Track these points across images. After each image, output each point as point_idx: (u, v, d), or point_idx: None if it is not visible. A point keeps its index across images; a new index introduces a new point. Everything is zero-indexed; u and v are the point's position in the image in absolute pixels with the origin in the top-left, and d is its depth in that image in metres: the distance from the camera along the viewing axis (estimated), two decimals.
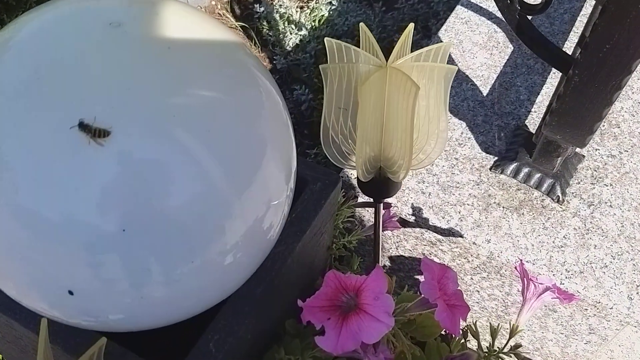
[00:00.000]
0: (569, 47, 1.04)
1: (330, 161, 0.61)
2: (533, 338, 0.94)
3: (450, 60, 1.02)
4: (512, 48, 1.03)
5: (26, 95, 0.44)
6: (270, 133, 0.52)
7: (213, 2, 1.63)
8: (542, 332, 0.92)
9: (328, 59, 0.56)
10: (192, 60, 0.47)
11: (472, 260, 0.88)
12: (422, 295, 0.58)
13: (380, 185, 0.61)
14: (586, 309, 0.84)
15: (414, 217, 0.87)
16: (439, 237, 0.88)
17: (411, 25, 0.56)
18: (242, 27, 1.59)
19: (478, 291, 0.93)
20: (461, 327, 0.65)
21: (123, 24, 0.44)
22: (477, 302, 0.95)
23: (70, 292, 0.45)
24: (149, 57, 0.45)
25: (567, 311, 0.86)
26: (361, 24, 0.57)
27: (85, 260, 0.46)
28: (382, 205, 0.64)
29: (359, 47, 0.57)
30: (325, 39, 0.56)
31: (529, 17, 0.73)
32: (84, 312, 0.49)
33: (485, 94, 0.98)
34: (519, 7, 0.72)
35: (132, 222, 0.45)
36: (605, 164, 0.92)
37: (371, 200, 0.66)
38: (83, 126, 0.42)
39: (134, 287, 0.47)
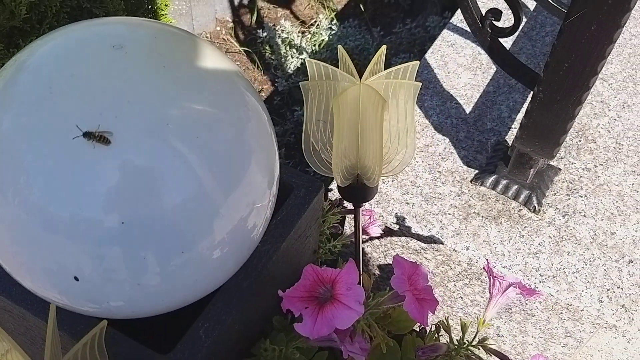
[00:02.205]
0: None
1: (328, 180, 0.67)
2: (514, 342, 0.99)
3: (436, 80, 1.09)
4: (495, 69, 1.10)
5: (41, 108, 0.51)
6: (255, 143, 0.59)
7: (218, 28, 1.71)
8: (523, 337, 0.97)
9: (309, 76, 0.63)
10: (185, 77, 0.54)
11: (455, 267, 0.94)
12: (395, 291, 0.64)
13: (358, 190, 0.67)
14: (561, 312, 0.89)
15: (398, 226, 0.93)
16: (423, 245, 0.94)
17: (383, 47, 0.63)
18: (245, 51, 1.67)
19: (461, 297, 0.98)
20: (434, 323, 0.71)
21: (124, 46, 0.51)
22: (461, 309, 1.00)
23: (76, 278, 0.52)
24: (146, 75, 0.52)
25: (544, 315, 0.91)
26: (339, 46, 0.64)
27: (89, 251, 0.52)
28: (360, 209, 0.70)
29: (337, 67, 0.64)
30: (306, 59, 0.62)
31: (500, 39, 0.80)
32: (88, 299, 0.55)
33: (468, 112, 1.04)
34: (489, 30, 0.79)
35: (131, 218, 0.52)
36: (581, 176, 0.97)
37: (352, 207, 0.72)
38: (87, 135, 0.49)
39: (132, 276, 0.54)
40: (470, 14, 0.78)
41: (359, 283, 0.59)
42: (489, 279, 0.70)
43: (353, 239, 0.87)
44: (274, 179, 0.61)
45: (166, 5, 0.92)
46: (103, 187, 0.51)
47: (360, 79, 0.61)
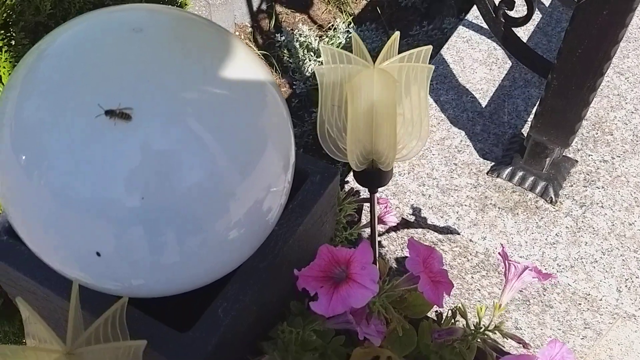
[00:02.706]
0: None
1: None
2: (533, 335, 0.99)
3: (452, 75, 1.09)
4: (511, 64, 1.11)
5: (61, 92, 0.53)
6: (271, 127, 0.60)
7: (237, 33, 1.74)
8: (541, 329, 0.97)
9: (323, 62, 0.65)
10: (204, 60, 0.56)
11: (471, 259, 0.94)
12: (410, 273, 0.64)
13: (373, 175, 0.68)
14: (579, 303, 0.89)
15: (414, 218, 0.94)
16: (440, 236, 0.94)
17: (397, 33, 0.64)
18: (264, 55, 1.70)
19: (479, 289, 0.98)
20: (451, 308, 0.71)
21: (144, 30, 0.53)
22: (479, 301, 1.00)
23: (98, 254, 0.53)
24: (166, 57, 0.54)
25: (562, 306, 0.91)
26: (353, 33, 0.65)
27: (111, 230, 0.54)
28: (376, 195, 0.71)
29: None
30: (321, 45, 0.64)
31: (513, 29, 0.81)
32: (110, 277, 0.56)
33: (484, 106, 1.05)
34: (503, 20, 0.80)
35: (150, 198, 0.53)
36: (598, 168, 0.97)
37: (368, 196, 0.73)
38: (108, 112, 0.50)
39: (153, 254, 0.55)
40: (484, 4, 0.79)
41: (374, 263, 0.60)
42: (504, 263, 0.70)
43: (369, 227, 0.88)
44: (289, 164, 0.62)
45: (186, 5, 0.94)
46: (123, 167, 0.53)
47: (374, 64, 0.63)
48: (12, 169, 0.57)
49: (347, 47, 1.71)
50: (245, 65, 0.61)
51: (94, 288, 0.59)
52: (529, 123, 1.03)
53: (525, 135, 1.00)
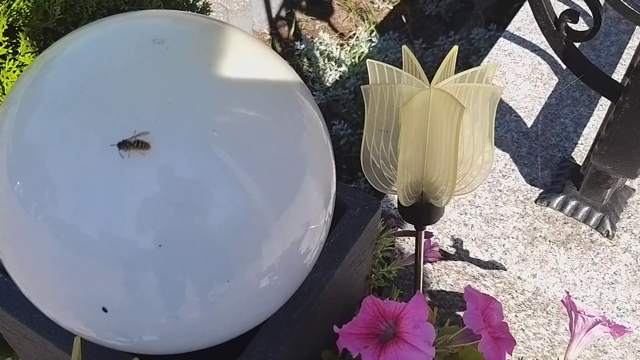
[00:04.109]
0: (616, 79, 1.01)
1: (370, 189, 0.59)
2: None
3: None
4: (557, 80, 1.01)
5: (70, 111, 0.45)
6: (311, 155, 0.51)
7: None
8: None
9: (370, 80, 0.56)
10: (234, 78, 0.47)
11: (517, 297, 0.85)
12: (466, 327, 0.55)
13: (422, 211, 0.59)
14: None
15: (455, 250, 0.85)
16: (482, 271, 0.85)
17: (455, 47, 0.56)
18: None
19: (523, 329, 0.89)
20: None
21: (166, 41, 0.45)
22: (522, 342, 0.91)
23: (104, 309, 0.44)
24: (190, 73, 0.45)
25: (618, 352, 0.82)
26: (404, 46, 0.56)
27: (120, 276, 0.45)
28: (423, 233, 0.62)
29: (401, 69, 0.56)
30: (367, 60, 0.55)
31: (576, 45, 0.72)
32: (118, 332, 0.48)
33: (529, 126, 0.96)
34: (565, 34, 0.71)
35: (169, 239, 0.45)
36: None
37: (412, 228, 0.64)
38: (123, 145, 0.42)
39: (169, 306, 0.46)
40: (543, 15, 0.70)
41: (428, 320, 0.51)
42: (570, 314, 0.61)
43: (409, 264, 0.78)
44: (330, 196, 0.53)
45: (208, 11, 0.86)
46: (138, 202, 0.44)
47: (430, 83, 0.54)
48: (6, 197, 0.48)
49: (370, 56, 1.62)
50: (282, 82, 0.52)
51: (98, 343, 0.50)
52: (580, 146, 0.93)
53: (577, 159, 0.91)
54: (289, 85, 0.52)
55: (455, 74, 0.56)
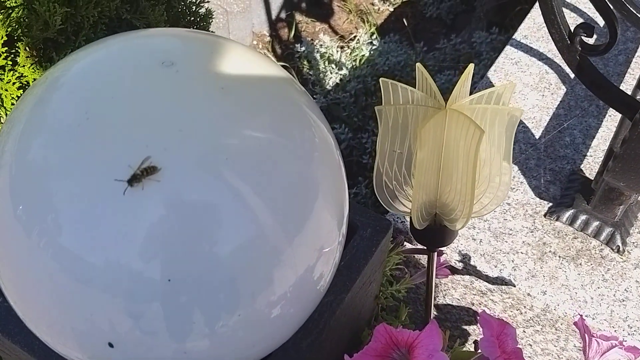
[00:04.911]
0: (625, 89, 1.00)
1: (370, 203, 0.58)
2: None
3: None
4: (565, 90, 1.00)
5: (75, 136, 0.43)
6: (323, 175, 0.50)
7: (255, 42, 1.64)
8: None
9: (383, 100, 0.54)
10: (245, 100, 0.45)
11: (525, 312, 0.83)
12: (480, 353, 0.53)
13: (436, 233, 0.57)
14: None
15: (463, 265, 0.83)
16: (490, 286, 0.83)
17: (471, 66, 0.54)
18: (283, 66, 1.59)
19: (530, 345, 0.88)
20: None
21: (175, 63, 0.43)
22: (529, 357, 0.89)
23: (110, 345, 0.43)
24: (201, 97, 0.43)
25: None
26: (418, 64, 0.54)
27: (126, 309, 0.43)
28: (435, 254, 0.61)
29: (415, 87, 0.54)
30: (381, 79, 0.53)
31: (590, 59, 0.70)
32: None
33: (537, 137, 0.94)
34: (579, 48, 0.69)
35: (177, 270, 0.43)
36: None
37: (423, 247, 0.63)
38: (133, 180, 0.40)
39: (177, 339, 0.44)
40: (557, 29, 0.68)
41: (444, 346, 0.49)
42: (584, 337, 0.59)
43: (417, 282, 0.77)
44: (343, 218, 0.51)
45: (210, 18, 0.84)
46: (145, 231, 0.42)
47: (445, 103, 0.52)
48: (7, 221, 0.46)
49: (370, 59, 1.61)
50: (291, 101, 0.50)
51: None
52: (589, 158, 0.92)
53: (586, 172, 0.89)
54: (299, 104, 0.50)
55: (470, 92, 0.54)
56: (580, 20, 0.91)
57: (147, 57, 0.44)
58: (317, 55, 1.61)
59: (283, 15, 1.70)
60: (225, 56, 0.46)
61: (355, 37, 1.69)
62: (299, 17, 1.72)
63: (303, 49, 1.61)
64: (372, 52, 1.63)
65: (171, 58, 0.43)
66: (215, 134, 0.42)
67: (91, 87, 0.43)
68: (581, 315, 0.62)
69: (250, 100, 0.46)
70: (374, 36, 1.70)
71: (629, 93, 0.83)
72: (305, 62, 1.61)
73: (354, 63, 1.62)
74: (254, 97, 0.46)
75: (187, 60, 0.44)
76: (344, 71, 1.59)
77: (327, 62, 1.61)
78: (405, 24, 1.73)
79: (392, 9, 1.79)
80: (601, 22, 1.10)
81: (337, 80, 1.58)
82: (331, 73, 1.59)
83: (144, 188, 0.39)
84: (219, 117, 0.43)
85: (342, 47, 1.67)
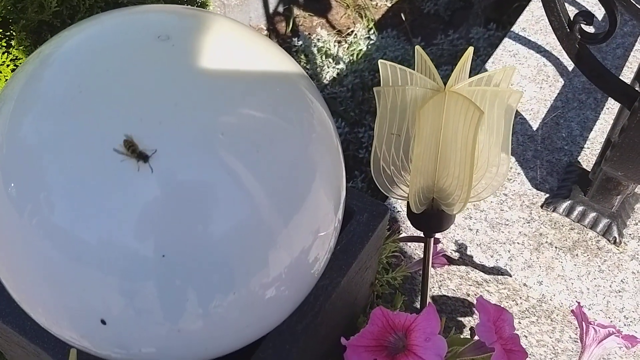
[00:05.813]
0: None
1: (372, 191, 0.57)
2: None
3: None
4: (563, 82, 1.00)
5: (68, 111, 0.42)
6: (321, 157, 0.49)
7: None
8: None
9: (381, 82, 0.53)
10: (242, 77, 0.45)
11: (521, 303, 0.83)
12: (477, 338, 0.53)
13: (433, 218, 0.57)
14: None
15: (459, 255, 0.83)
16: (485, 276, 0.83)
17: (470, 49, 0.53)
18: None
19: (526, 336, 0.87)
20: None
21: (171, 38, 0.42)
22: (524, 348, 0.89)
23: (103, 322, 0.42)
24: (198, 72, 0.42)
25: None
26: (417, 47, 0.54)
27: (120, 287, 0.43)
28: (432, 240, 0.60)
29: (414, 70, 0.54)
30: (379, 61, 0.53)
31: (589, 47, 0.70)
32: (115, 344, 0.45)
33: (535, 129, 0.94)
34: (579, 36, 0.69)
35: (172, 248, 0.42)
36: None
37: (420, 234, 0.62)
38: (128, 144, 0.39)
39: (170, 318, 0.44)
40: (557, 17, 0.68)
41: (440, 332, 0.49)
42: (581, 325, 0.59)
43: (414, 270, 0.76)
44: (340, 201, 0.51)
45: (207, 5, 0.83)
46: (139, 208, 0.42)
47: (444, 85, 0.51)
48: None
49: (368, 54, 1.60)
50: (289, 80, 0.50)
51: (92, 353, 0.47)
52: (586, 150, 0.92)
53: (583, 163, 0.89)
54: (296, 82, 0.49)
55: (469, 76, 0.54)
56: (578, 9, 0.91)
57: (143, 31, 0.43)
58: (315, 50, 1.60)
59: (281, 9, 1.70)
60: (222, 32, 0.46)
61: (352, 32, 1.69)
62: (296, 11, 1.72)
63: (300, 43, 1.60)
64: (369, 46, 1.63)
65: (167, 32, 0.42)
66: (212, 109, 0.42)
67: (85, 61, 0.42)
68: (579, 303, 0.61)
69: (248, 77, 0.45)
70: (372, 31, 1.69)
71: (630, 84, 0.83)
72: (302, 57, 1.60)
73: (351, 58, 1.61)
74: (252, 74, 0.45)
75: (184, 35, 0.43)
76: (341, 65, 1.58)
77: (324, 57, 1.61)
78: (403, 19, 1.72)
79: (389, 5, 1.79)
80: (600, 15, 1.10)
81: (334, 75, 1.57)
82: (328, 67, 1.58)
83: (139, 169, 0.39)
84: (215, 93, 0.42)
85: (339, 42, 1.66)
